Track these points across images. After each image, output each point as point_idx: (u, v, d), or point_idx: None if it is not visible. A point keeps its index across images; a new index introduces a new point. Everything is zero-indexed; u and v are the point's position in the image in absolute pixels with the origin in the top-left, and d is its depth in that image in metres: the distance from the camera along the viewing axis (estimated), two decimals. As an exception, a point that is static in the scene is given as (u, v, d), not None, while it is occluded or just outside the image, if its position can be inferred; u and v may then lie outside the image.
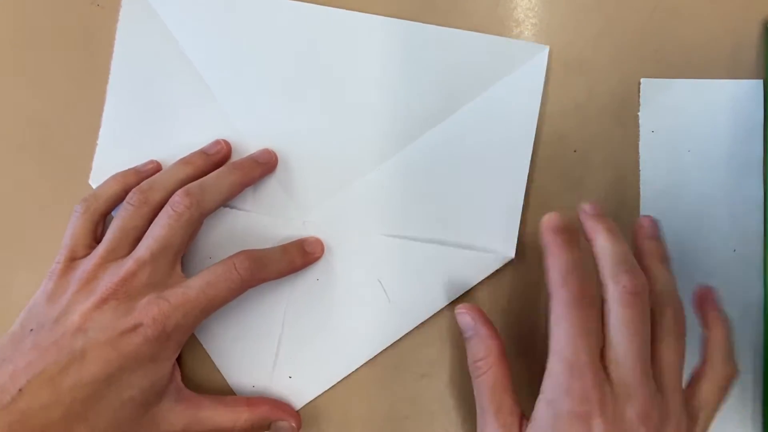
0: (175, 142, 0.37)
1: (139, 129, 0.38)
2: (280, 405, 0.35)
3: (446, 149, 0.36)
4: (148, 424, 0.31)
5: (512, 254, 0.35)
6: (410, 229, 0.36)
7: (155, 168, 0.37)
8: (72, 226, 0.34)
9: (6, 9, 0.40)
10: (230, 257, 0.33)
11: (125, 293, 0.31)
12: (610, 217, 0.31)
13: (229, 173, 0.35)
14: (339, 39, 0.37)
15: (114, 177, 0.36)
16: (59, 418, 0.28)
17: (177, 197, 0.33)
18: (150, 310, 0.30)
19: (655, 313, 0.29)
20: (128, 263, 0.32)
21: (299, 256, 0.35)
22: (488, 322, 0.32)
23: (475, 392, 0.31)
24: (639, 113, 0.35)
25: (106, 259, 0.32)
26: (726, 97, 0.35)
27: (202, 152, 0.36)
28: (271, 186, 0.37)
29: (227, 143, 0.37)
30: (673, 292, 0.30)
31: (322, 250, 0.36)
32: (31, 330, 0.31)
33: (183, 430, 0.32)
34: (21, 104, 0.39)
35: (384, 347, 0.36)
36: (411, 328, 0.35)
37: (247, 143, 0.37)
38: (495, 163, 0.36)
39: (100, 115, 0.38)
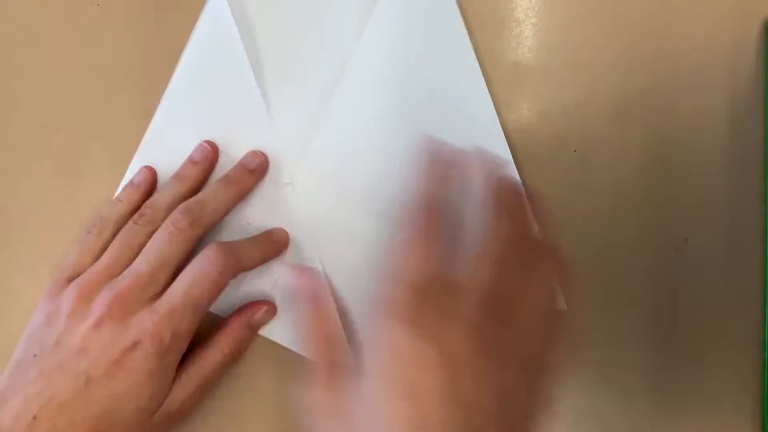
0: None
1: (186, 130, 0.37)
2: (246, 307, 0.36)
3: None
4: (160, 417, 0.32)
5: None
6: None
7: (149, 175, 0.37)
8: (81, 246, 0.34)
9: (6, 9, 0.40)
10: (202, 253, 0.33)
11: (121, 311, 0.31)
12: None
13: (225, 188, 0.35)
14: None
15: (117, 198, 0.36)
16: None
17: (178, 214, 0.33)
18: (144, 325, 0.31)
19: None
20: (125, 278, 0.32)
21: (270, 246, 0.36)
22: None
23: None
24: None
25: (103, 275, 0.32)
26: None
27: (192, 162, 0.36)
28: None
29: (212, 145, 0.37)
30: None
31: (288, 241, 0.37)
32: (35, 356, 0.31)
33: (193, 392, 0.33)
34: (21, 105, 0.39)
35: None
36: None
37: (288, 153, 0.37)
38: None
39: (99, 116, 0.38)
